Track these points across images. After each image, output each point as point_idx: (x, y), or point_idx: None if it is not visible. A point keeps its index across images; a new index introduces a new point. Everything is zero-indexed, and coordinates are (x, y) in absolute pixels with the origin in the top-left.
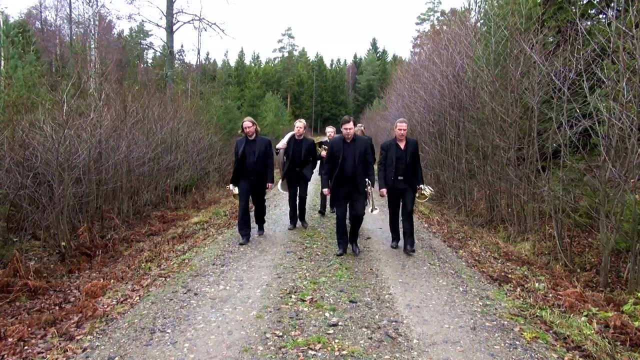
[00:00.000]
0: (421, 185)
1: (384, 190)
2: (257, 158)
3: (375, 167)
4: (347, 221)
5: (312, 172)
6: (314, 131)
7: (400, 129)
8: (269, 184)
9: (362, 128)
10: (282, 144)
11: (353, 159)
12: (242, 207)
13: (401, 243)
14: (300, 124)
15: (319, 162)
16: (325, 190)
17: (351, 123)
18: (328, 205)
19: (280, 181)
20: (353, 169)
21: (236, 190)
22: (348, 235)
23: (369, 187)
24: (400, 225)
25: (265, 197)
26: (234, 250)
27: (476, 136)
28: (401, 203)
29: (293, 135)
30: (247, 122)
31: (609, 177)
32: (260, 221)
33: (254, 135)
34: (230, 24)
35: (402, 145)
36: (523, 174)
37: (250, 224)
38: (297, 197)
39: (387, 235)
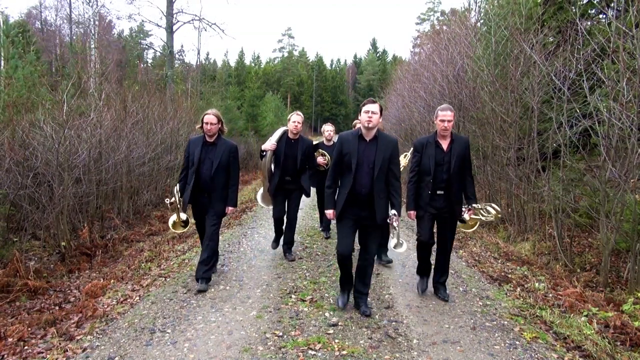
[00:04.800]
0: (476, 205)
1: (413, 213)
2: (217, 170)
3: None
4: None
5: (312, 184)
6: (313, 131)
7: (443, 120)
8: (229, 208)
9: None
10: (270, 143)
11: (371, 168)
12: (201, 232)
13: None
14: (297, 117)
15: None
16: (330, 213)
17: (377, 106)
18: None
19: (260, 191)
20: (370, 184)
21: (182, 216)
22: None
23: (394, 220)
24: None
25: (219, 224)
26: (234, 250)
27: (476, 136)
28: (438, 232)
29: (285, 133)
30: (211, 116)
31: (609, 177)
32: (209, 263)
33: (215, 136)
34: (230, 24)
35: (444, 144)
36: (523, 174)
37: (216, 258)
38: (285, 217)
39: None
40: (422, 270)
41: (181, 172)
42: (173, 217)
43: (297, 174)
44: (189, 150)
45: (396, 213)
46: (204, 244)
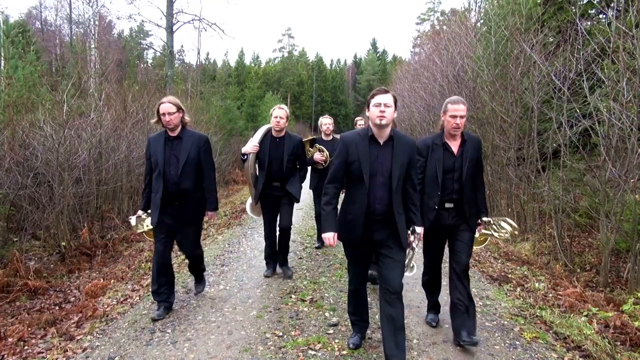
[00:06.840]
0: (486, 218)
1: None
2: (184, 168)
3: None
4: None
5: (301, 188)
6: (313, 131)
7: (455, 115)
8: (210, 213)
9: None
10: (250, 145)
11: (387, 178)
12: (160, 252)
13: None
14: (280, 112)
15: (309, 169)
16: (330, 237)
17: (390, 96)
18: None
19: (248, 201)
20: (388, 198)
21: (146, 224)
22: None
23: (414, 238)
24: (446, 290)
25: (199, 237)
26: (233, 250)
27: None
28: (449, 251)
29: (269, 131)
30: (167, 105)
31: (609, 177)
32: (197, 272)
33: (178, 129)
34: (230, 24)
35: (454, 146)
36: (523, 174)
37: (173, 283)
38: (277, 228)
39: None
40: (431, 296)
41: (145, 179)
42: (142, 229)
43: (286, 177)
44: (150, 151)
45: (416, 230)
46: (191, 265)
